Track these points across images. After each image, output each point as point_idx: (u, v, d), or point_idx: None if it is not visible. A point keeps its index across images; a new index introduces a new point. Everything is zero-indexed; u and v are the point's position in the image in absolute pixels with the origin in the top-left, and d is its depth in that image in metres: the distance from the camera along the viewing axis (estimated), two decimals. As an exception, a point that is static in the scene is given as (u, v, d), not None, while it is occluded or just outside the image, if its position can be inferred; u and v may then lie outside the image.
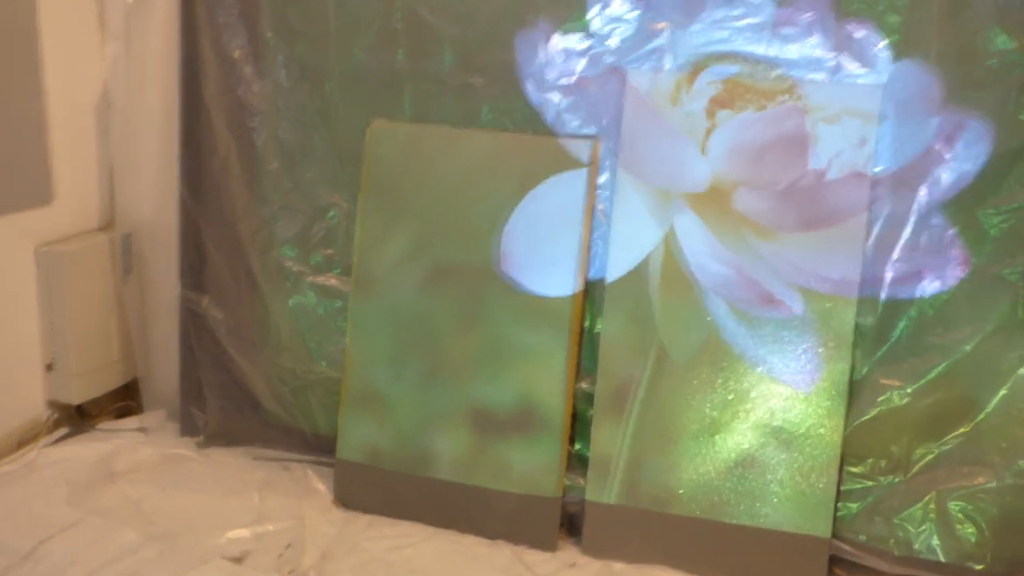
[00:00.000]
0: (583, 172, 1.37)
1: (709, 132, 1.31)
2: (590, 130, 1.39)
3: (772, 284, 1.30)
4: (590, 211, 1.38)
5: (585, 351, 1.40)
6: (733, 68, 1.31)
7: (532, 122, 1.41)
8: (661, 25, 1.34)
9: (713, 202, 1.33)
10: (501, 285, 1.40)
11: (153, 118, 1.64)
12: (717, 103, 1.31)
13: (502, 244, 1.39)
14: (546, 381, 1.38)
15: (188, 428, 1.66)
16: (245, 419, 1.59)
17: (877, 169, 1.26)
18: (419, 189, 1.43)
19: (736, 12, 1.31)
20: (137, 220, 1.72)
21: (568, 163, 1.38)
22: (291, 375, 1.55)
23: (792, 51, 1.29)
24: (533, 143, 1.40)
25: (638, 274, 1.36)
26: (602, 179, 1.39)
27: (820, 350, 1.29)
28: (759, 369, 1.31)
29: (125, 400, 1.78)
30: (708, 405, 1.33)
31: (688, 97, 1.33)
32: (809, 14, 1.28)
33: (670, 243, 1.35)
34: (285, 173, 1.53)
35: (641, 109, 1.35)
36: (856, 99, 1.27)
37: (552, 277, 1.38)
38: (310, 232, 1.55)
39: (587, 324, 1.40)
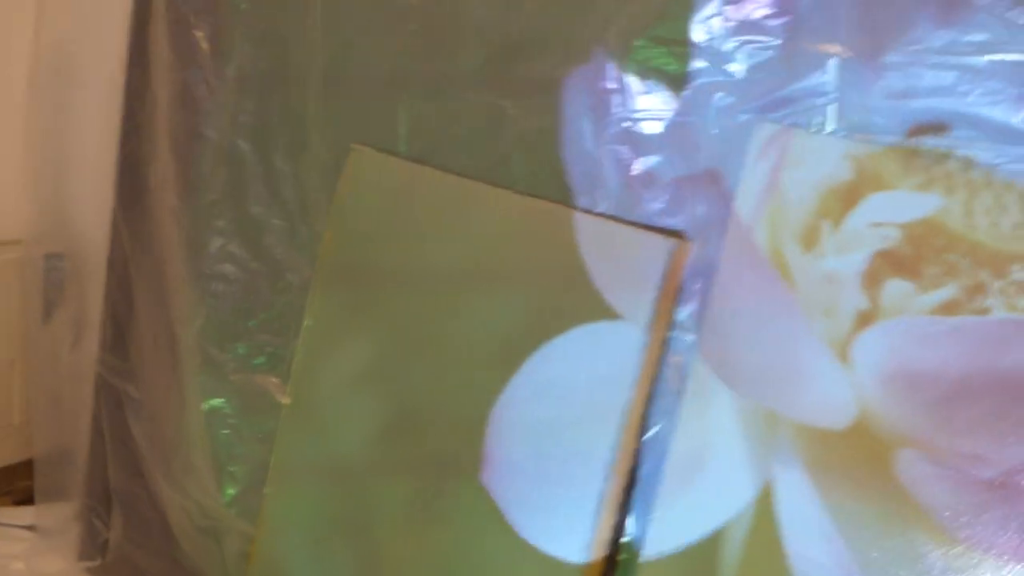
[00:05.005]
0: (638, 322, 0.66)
1: (864, 320, 0.57)
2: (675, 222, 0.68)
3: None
4: (644, 392, 0.66)
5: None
6: (932, 200, 0.55)
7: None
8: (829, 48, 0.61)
9: (853, 455, 0.58)
10: (478, 499, 0.73)
11: (92, 109, 1.20)
12: (888, 263, 0.56)
13: (489, 433, 0.72)
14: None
15: (88, 545, 1.21)
16: (152, 551, 1.14)
17: None
18: (401, 271, 0.81)
19: (976, 38, 0.54)
20: (66, 238, 1.27)
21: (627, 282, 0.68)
22: (198, 512, 1.05)
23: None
24: (574, 223, 0.71)
25: (704, 551, 0.62)
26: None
27: None
28: None
29: (27, 479, 1.33)
30: None
31: (834, 242, 0.59)
32: None
33: (764, 511, 0.61)
34: (226, 209, 1.05)
35: (743, 254, 0.62)
36: None
37: (560, 519, 0.68)
38: (246, 304, 1.04)
39: None
